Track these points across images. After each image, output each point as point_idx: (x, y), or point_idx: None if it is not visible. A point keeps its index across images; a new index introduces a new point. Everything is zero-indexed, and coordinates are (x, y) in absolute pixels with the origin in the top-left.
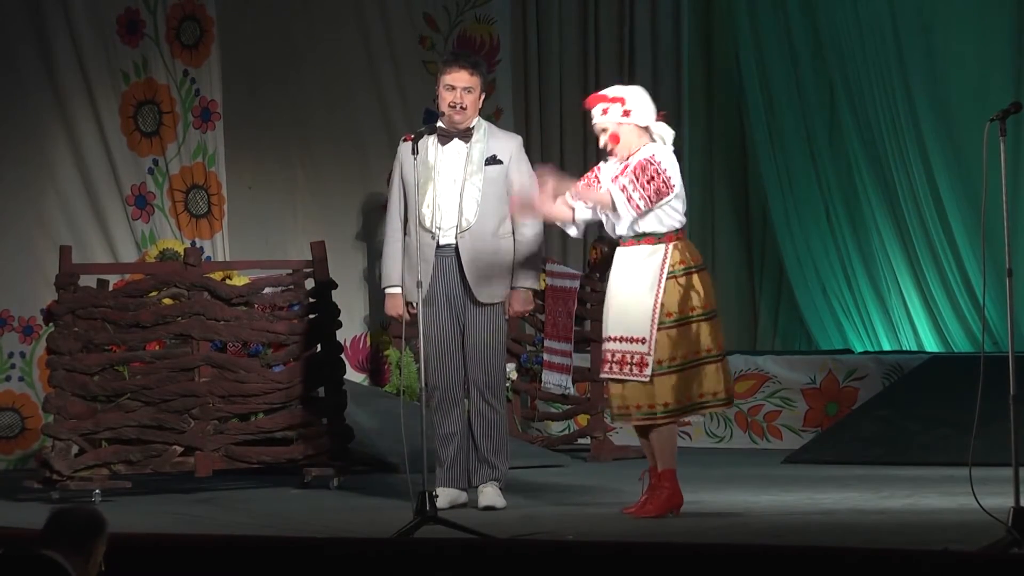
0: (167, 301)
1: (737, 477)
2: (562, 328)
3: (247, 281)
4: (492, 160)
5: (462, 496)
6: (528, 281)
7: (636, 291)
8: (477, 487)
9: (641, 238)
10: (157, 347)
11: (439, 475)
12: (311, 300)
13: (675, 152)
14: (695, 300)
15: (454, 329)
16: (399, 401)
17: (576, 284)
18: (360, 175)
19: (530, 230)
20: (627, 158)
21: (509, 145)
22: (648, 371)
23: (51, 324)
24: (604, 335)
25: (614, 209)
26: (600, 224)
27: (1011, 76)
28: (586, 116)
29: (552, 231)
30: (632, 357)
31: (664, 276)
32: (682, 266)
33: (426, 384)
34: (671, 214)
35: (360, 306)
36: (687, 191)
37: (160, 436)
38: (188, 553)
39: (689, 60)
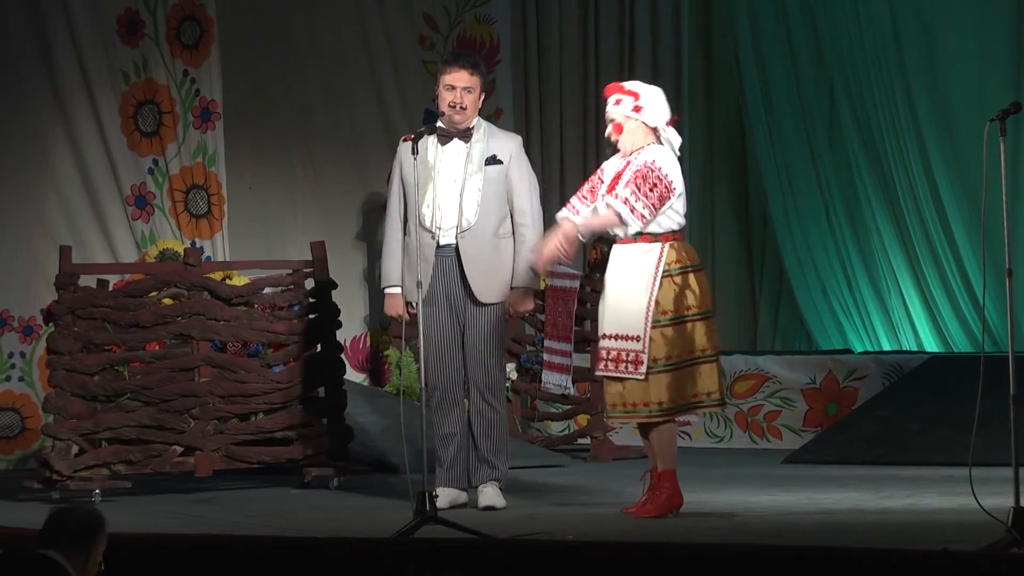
0: (167, 301)
1: (737, 477)
2: (562, 328)
3: (247, 281)
4: (492, 160)
5: (462, 496)
6: (528, 281)
7: (631, 289)
8: (477, 487)
9: (637, 236)
10: (157, 347)
11: (439, 475)
12: (311, 300)
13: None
14: (691, 299)
15: (454, 329)
16: (399, 401)
17: (576, 284)
18: (360, 175)
19: (530, 230)
20: (630, 154)
21: (509, 145)
22: (643, 369)
23: (51, 324)
24: (600, 333)
25: (624, 224)
26: None
27: (1011, 76)
28: (586, 116)
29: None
30: (627, 355)
31: (659, 274)
32: (678, 265)
33: (426, 384)
34: (671, 215)
35: (360, 306)
36: (688, 191)
37: (160, 436)
38: (188, 553)
39: (689, 60)
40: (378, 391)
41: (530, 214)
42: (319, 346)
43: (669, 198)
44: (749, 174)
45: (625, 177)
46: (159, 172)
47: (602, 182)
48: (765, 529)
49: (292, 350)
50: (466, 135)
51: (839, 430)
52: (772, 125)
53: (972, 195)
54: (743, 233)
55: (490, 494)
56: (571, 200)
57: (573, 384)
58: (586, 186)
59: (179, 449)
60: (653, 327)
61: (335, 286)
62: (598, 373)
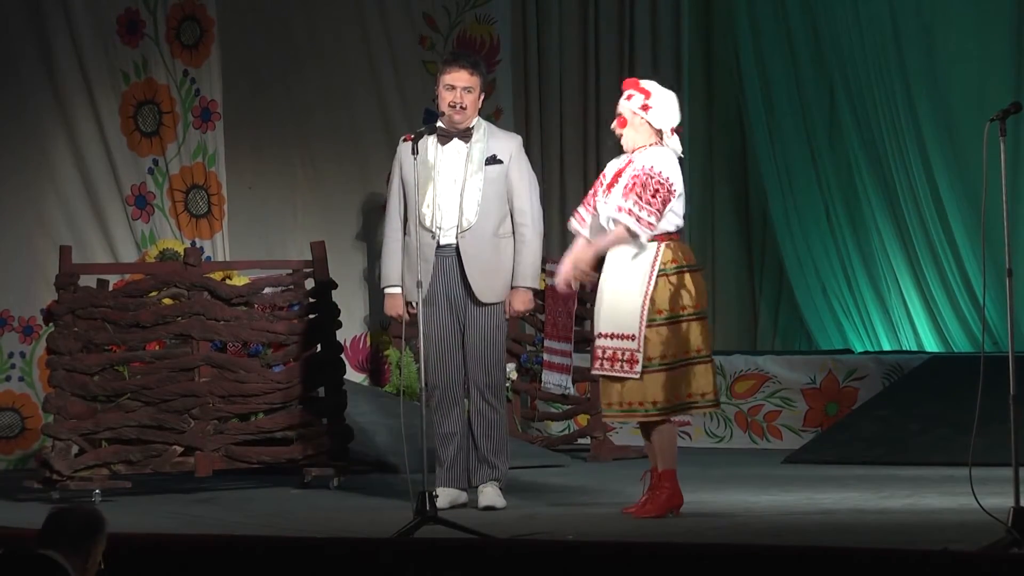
0: (167, 301)
1: (737, 477)
2: (562, 328)
3: (247, 281)
4: (492, 160)
5: (462, 496)
6: (528, 281)
7: (627, 288)
8: (477, 487)
9: (611, 216)
10: (157, 347)
11: (439, 475)
12: (311, 300)
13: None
14: (686, 299)
15: (454, 329)
16: (399, 401)
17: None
18: (360, 175)
19: (530, 230)
20: (631, 151)
21: (509, 145)
22: (638, 368)
23: (51, 324)
24: (595, 332)
25: (634, 235)
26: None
27: (1011, 76)
28: (586, 116)
29: (552, 231)
30: (623, 354)
31: (655, 274)
32: (674, 265)
33: (426, 384)
34: (669, 217)
35: (360, 306)
36: (687, 192)
37: (160, 436)
38: (188, 553)
39: (689, 60)
40: (378, 391)
41: (530, 214)
42: (319, 346)
43: (670, 200)
44: (749, 174)
45: (624, 179)
46: (159, 172)
47: (602, 184)
48: (765, 529)
49: (292, 350)
50: (466, 135)
51: (839, 430)
52: (772, 125)
53: (972, 195)
54: (743, 233)
55: (490, 494)
56: (578, 209)
57: (573, 384)
58: (590, 192)
59: (179, 449)
60: (648, 326)
61: (335, 286)
62: (594, 372)
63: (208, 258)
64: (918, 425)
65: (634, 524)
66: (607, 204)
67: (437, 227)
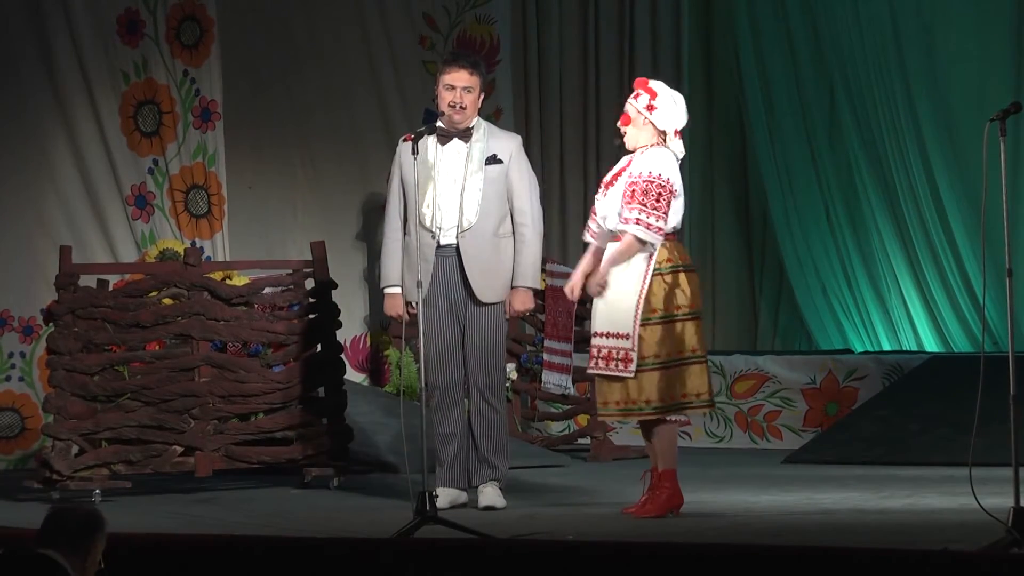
0: (167, 301)
1: (737, 477)
2: (562, 328)
3: (247, 281)
4: (492, 160)
5: (462, 496)
6: (528, 280)
7: (622, 287)
8: (477, 487)
9: (617, 229)
10: (157, 347)
11: (439, 475)
12: (311, 300)
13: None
14: (681, 299)
15: (454, 328)
16: (399, 401)
17: None
18: (360, 175)
19: (530, 230)
20: (632, 151)
21: (509, 145)
22: (633, 367)
23: (51, 324)
24: (592, 331)
25: (644, 243)
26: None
27: (1011, 76)
28: (586, 116)
29: (552, 231)
30: (618, 353)
31: (650, 273)
32: (669, 264)
33: (426, 384)
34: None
35: (360, 306)
36: (687, 192)
37: (160, 436)
38: (188, 553)
39: (689, 60)
40: (378, 391)
41: (530, 214)
42: (319, 346)
43: (672, 199)
44: (749, 174)
45: (622, 183)
46: (159, 172)
47: (606, 187)
48: (765, 529)
49: (292, 350)
50: (466, 135)
51: (839, 430)
52: (772, 125)
53: (972, 195)
54: (743, 233)
55: (490, 494)
56: (588, 223)
57: (573, 384)
58: (595, 202)
59: (179, 449)
60: (643, 325)
61: (335, 286)
62: (589, 371)
63: (208, 258)
64: (918, 425)
65: (634, 524)
66: (604, 202)
67: (437, 227)
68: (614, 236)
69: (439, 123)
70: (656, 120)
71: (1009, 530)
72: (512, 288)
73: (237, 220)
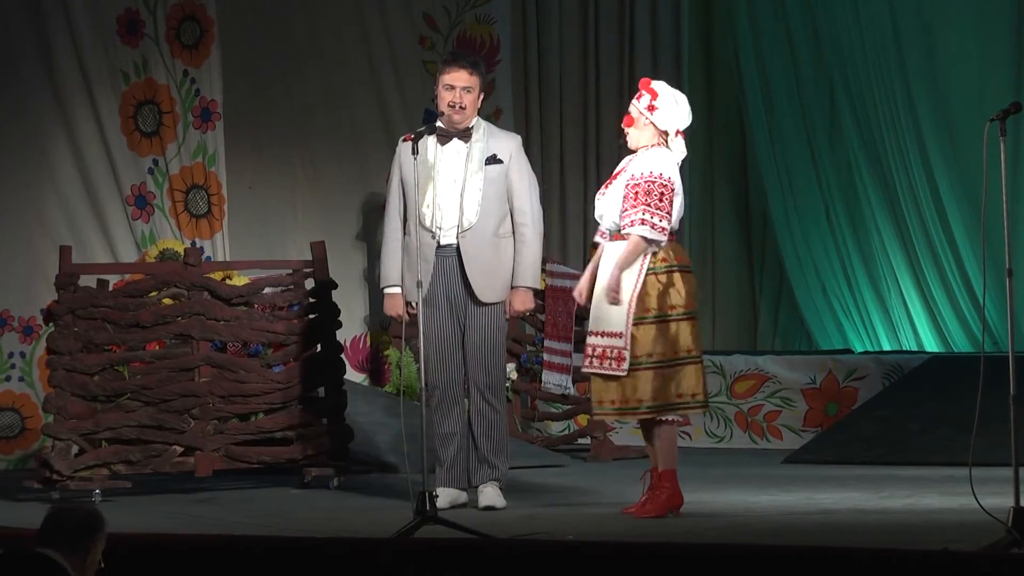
0: (167, 301)
1: (737, 477)
2: (562, 328)
3: (247, 281)
4: (492, 159)
5: (462, 496)
6: (528, 281)
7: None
8: (477, 487)
9: (622, 232)
10: (157, 347)
11: (439, 475)
12: (311, 300)
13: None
14: (675, 299)
15: (454, 328)
16: (399, 401)
17: (576, 284)
18: (360, 175)
19: (530, 230)
20: (634, 151)
21: (509, 145)
22: (625, 366)
23: (51, 324)
24: (588, 330)
25: (651, 242)
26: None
27: (1011, 76)
28: (586, 116)
29: (552, 231)
30: (611, 351)
31: (643, 272)
32: (663, 264)
33: (426, 384)
34: None
35: (360, 306)
36: (687, 192)
37: (160, 436)
38: (188, 553)
39: (689, 60)
40: (378, 391)
41: (530, 213)
42: (319, 346)
43: (673, 197)
44: (749, 174)
45: (621, 184)
46: (159, 172)
47: (607, 186)
48: (765, 529)
49: (292, 350)
50: (465, 135)
51: (839, 430)
52: (772, 125)
53: (972, 195)
54: (743, 233)
55: (490, 494)
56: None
57: (573, 384)
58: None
59: (179, 449)
60: (636, 324)
61: (335, 286)
62: (584, 370)
63: (208, 258)
64: (918, 425)
65: (634, 524)
66: (602, 201)
67: (437, 227)
68: (613, 235)
69: (439, 123)
70: (657, 120)
71: (1009, 530)
72: (512, 288)
73: (237, 220)
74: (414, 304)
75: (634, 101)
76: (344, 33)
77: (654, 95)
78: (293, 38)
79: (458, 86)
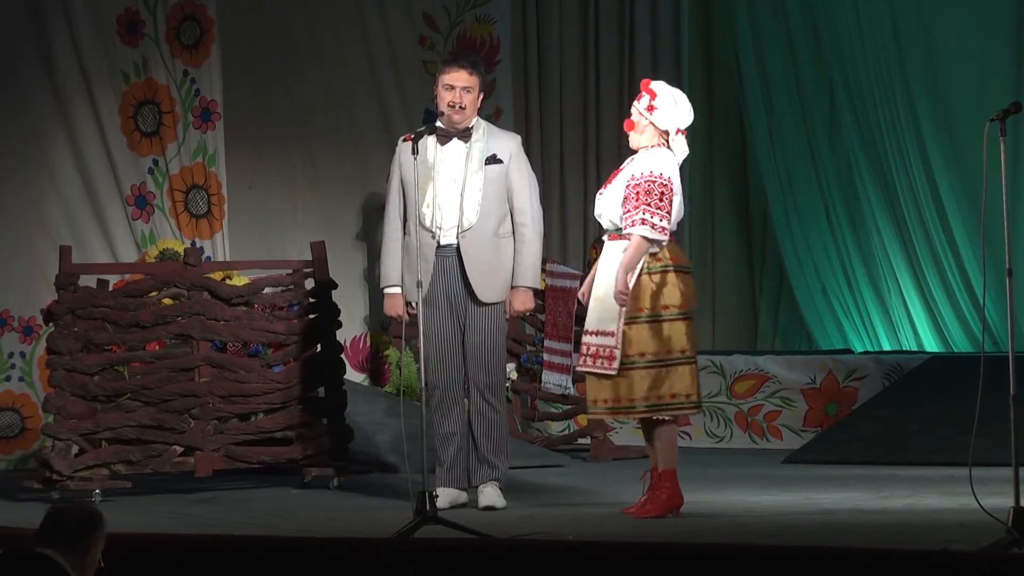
0: (167, 301)
1: (737, 477)
2: (562, 328)
3: (247, 281)
4: (492, 159)
5: (462, 496)
6: (528, 280)
7: (610, 285)
8: (477, 487)
9: (623, 232)
10: (157, 347)
11: (439, 475)
12: (311, 300)
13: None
14: (669, 298)
15: (454, 328)
16: (399, 401)
17: (576, 284)
18: (360, 175)
19: (530, 230)
20: (635, 152)
21: (509, 144)
22: (616, 364)
23: (51, 324)
24: (584, 329)
25: (653, 242)
26: (600, 224)
27: (1011, 76)
28: (586, 116)
29: (552, 231)
30: (603, 350)
31: (637, 271)
32: (659, 264)
33: (426, 384)
34: None
35: (360, 306)
36: (687, 192)
37: (160, 436)
38: (188, 553)
39: (689, 60)
40: (378, 391)
41: (530, 213)
42: (319, 346)
43: (674, 198)
44: (749, 174)
45: (620, 184)
46: (159, 172)
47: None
48: (765, 529)
49: (292, 350)
50: (465, 135)
51: (839, 430)
52: (772, 125)
53: (972, 195)
54: (743, 233)
55: (490, 494)
56: None
57: (573, 384)
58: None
59: (179, 449)
60: (629, 323)
61: (335, 286)
62: (578, 368)
63: (208, 258)
64: (918, 425)
65: (634, 524)
66: (601, 200)
67: (437, 227)
68: (612, 235)
69: (439, 123)
70: (656, 120)
71: (1009, 530)
72: (512, 288)
73: (237, 220)
74: (414, 304)
75: (635, 103)
76: (344, 33)
77: (653, 95)
78: (293, 38)
79: (458, 86)
